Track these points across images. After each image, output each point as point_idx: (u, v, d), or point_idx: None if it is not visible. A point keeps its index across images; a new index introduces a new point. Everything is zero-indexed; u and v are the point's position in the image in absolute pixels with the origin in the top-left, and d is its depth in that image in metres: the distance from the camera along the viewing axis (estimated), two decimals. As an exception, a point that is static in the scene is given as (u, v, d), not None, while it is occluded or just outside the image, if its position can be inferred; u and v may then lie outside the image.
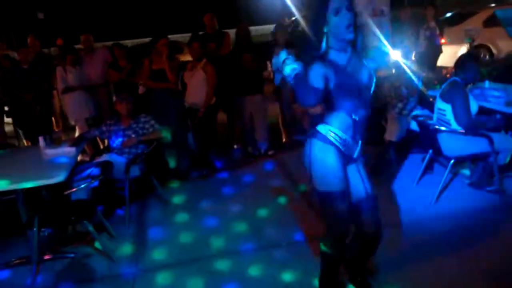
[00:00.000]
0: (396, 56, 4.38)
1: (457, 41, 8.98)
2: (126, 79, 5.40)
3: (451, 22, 10.25)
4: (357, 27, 2.10)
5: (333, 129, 2.21)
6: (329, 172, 2.20)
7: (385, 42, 3.75)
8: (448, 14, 10.96)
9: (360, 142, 2.27)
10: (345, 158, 2.25)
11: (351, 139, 2.23)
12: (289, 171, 4.84)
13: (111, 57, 5.75)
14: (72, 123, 5.92)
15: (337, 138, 2.21)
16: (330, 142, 2.21)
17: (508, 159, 3.81)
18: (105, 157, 4.08)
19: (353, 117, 2.17)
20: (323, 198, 2.25)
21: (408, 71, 4.31)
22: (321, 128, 2.23)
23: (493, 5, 10.50)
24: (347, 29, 2.05)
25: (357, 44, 2.18)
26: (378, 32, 4.69)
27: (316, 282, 2.61)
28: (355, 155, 2.28)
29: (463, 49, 8.45)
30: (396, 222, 3.46)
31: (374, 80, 2.22)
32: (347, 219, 2.26)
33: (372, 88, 2.23)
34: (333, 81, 2.09)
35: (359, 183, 2.32)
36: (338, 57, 2.15)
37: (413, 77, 4.29)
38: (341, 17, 2.05)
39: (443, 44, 7.93)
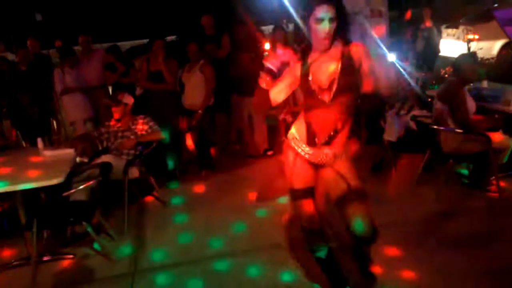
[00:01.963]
0: (393, 57, 4.40)
1: (491, 37, 8.92)
2: (120, 80, 5.41)
3: (485, 18, 10.19)
4: (334, 39, 2.16)
5: (294, 130, 2.37)
6: (288, 171, 2.39)
7: (381, 44, 3.76)
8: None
9: (329, 149, 2.25)
10: (310, 162, 2.31)
11: (307, 144, 2.28)
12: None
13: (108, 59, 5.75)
14: (70, 124, 5.92)
15: (296, 142, 2.33)
16: (290, 143, 2.36)
17: (506, 158, 3.82)
18: (103, 159, 4.08)
19: (308, 119, 2.27)
20: None
21: (405, 72, 4.33)
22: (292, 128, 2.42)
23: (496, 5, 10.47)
24: (323, 40, 2.14)
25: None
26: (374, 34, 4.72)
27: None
28: (321, 161, 2.28)
29: (497, 45, 8.45)
30: (394, 222, 3.47)
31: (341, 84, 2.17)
32: (305, 215, 2.37)
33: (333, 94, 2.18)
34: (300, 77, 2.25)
35: (339, 180, 2.27)
36: (313, 54, 2.24)
37: (410, 78, 4.31)
38: (321, 28, 2.11)
39: (476, 40, 7.93)
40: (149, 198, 4.41)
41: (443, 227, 3.34)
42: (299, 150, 2.31)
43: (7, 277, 3.24)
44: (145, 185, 4.35)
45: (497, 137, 3.70)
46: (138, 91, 5.47)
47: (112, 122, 4.32)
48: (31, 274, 3.08)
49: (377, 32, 5.16)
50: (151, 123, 4.26)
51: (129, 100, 4.28)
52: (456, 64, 3.82)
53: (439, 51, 7.89)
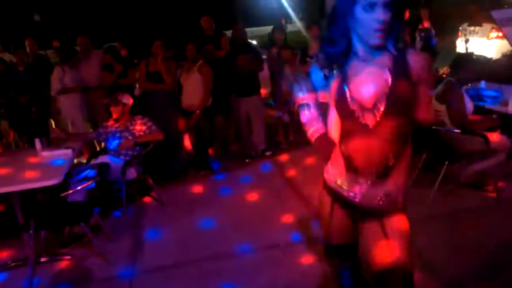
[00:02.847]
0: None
1: None
2: (118, 82, 5.41)
3: None
4: (391, 33, 1.58)
5: (330, 167, 1.80)
6: (324, 222, 1.86)
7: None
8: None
9: (382, 187, 1.64)
10: (350, 207, 1.74)
11: (346, 178, 1.71)
12: (286, 172, 4.84)
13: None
14: (69, 125, 5.92)
15: (332, 173, 1.78)
16: (325, 181, 1.82)
17: (504, 158, 3.82)
18: (101, 159, 4.08)
19: (345, 149, 1.69)
20: None
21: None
22: None
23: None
24: (375, 32, 1.55)
25: (386, 49, 1.62)
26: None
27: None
28: (360, 200, 1.69)
29: None
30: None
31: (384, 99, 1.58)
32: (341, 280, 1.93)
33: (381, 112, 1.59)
34: (333, 94, 1.73)
35: (382, 247, 1.68)
36: (356, 63, 1.68)
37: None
38: (373, 16, 1.54)
39: (499, 38, 7.96)
40: (147, 199, 4.41)
41: (440, 227, 3.34)
42: (341, 193, 1.74)
43: (5, 278, 3.23)
44: (143, 186, 4.35)
45: (495, 137, 3.71)
46: (137, 92, 5.47)
47: (110, 123, 4.32)
48: (28, 275, 3.07)
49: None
50: (149, 124, 4.25)
51: (128, 100, 4.28)
52: (453, 64, 3.82)
53: (437, 51, 7.90)
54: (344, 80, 1.68)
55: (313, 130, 1.85)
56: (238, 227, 3.64)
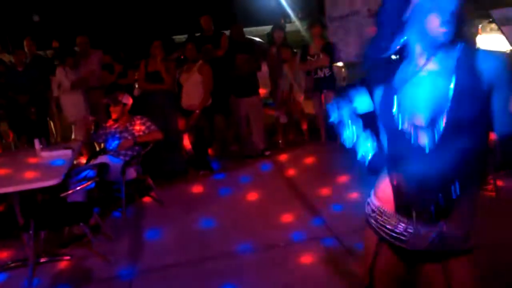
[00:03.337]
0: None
1: None
2: (117, 81, 5.41)
3: None
4: (462, 26, 1.24)
5: (373, 197, 1.50)
6: (367, 260, 1.53)
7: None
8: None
9: (435, 226, 1.33)
10: (401, 248, 1.43)
11: (394, 214, 1.40)
12: (285, 171, 4.84)
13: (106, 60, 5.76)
14: (70, 125, 5.92)
15: (381, 215, 1.44)
16: (367, 215, 1.51)
17: (503, 158, 3.82)
18: (101, 159, 4.08)
19: (394, 177, 1.39)
20: None
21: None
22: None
23: None
24: (442, 25, 1.22)
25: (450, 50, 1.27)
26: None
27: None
28: (409, 241, 1.38)
29: None
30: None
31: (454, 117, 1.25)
32: None
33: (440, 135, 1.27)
34: (378, 106, 1.42)
35: None
36: (408, 68, 1.34)
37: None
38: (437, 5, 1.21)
39: None
40: (147, 199, 4.41)
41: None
42: (386, 231, 1.43)
43: (5, 279, 3.23)
44: (143, 186, 4.35)
45: (494, 135, 3.70)
46: (136, 92, 5.47)
47: (109, 123, 4.32)
48: (28, 276, 3.07)
49: (375, 32, 5.16)
50: (148, 124, 4.25)
51: (127, 100, 4.29)
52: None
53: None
54: (392, 91, 1.34)
55: None
56: (238, 227, 3.64)
